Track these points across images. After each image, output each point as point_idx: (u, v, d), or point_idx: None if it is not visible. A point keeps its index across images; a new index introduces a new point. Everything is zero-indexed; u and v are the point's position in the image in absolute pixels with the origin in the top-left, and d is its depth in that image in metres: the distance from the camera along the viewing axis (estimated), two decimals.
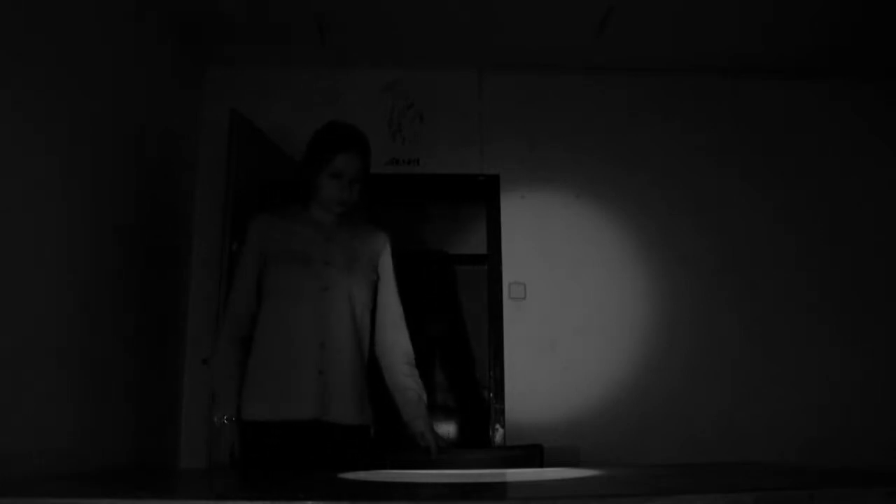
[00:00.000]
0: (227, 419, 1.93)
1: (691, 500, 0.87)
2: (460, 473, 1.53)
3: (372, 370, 2.11)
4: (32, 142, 2.10)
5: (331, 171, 2.04)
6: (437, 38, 3.45)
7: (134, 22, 2.83)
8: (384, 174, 3.42)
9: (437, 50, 3.54)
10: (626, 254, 3.55)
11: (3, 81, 1.95)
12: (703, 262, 3.54)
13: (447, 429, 4.45)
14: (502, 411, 3.35)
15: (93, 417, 2.44)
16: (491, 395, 3.41)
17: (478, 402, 4.34)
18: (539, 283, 3.50)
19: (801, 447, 3.25)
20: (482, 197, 3.64)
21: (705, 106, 3.73)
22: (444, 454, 1.96)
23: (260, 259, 2.07)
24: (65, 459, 2.22)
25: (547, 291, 3.49)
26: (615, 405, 3.37)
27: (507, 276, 3.49)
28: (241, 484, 1.36)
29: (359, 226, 2.19)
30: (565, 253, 3.54)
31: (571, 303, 3.48)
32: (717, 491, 0.97)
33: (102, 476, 1.58)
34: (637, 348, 3.45)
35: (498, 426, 3.34)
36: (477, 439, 4.26)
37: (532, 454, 2.04)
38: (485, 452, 2.53)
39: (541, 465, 2.00)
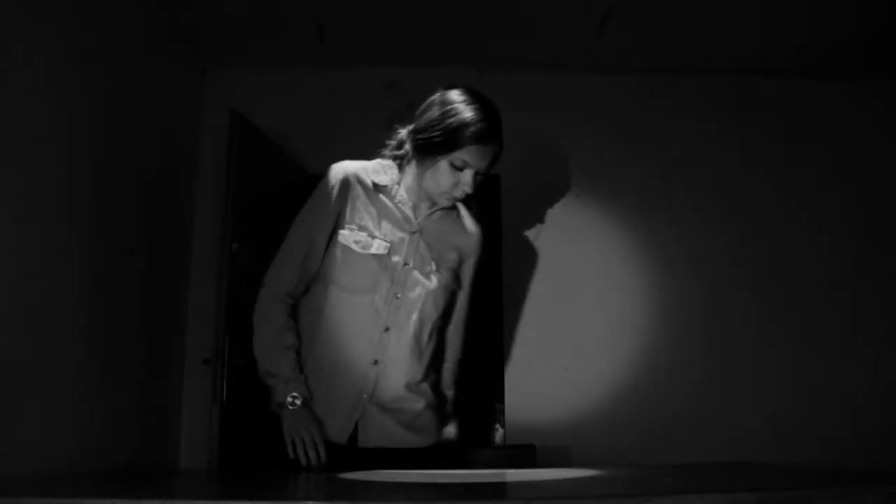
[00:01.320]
0: (296, 401, 1.55)
1: (691, 500, 0.87)
2: (460, 474, 1.53)
3: None
4: (32, 142, 2.10)
5: (455, 160, 1.61)
6: (437, 38, 3.45)
7: (134, 23, 2.83)
8: None
9: (437, 50, 3.54)
10: (626, 254, 3.55)
11: (2, 82, 1.95)
12: (707, 261, 3.54)
13: (447, 429, 4.43)
14: (502, 411, 3.35)
15: (93, 417, 2.44)
16: (491, 394, 3.41)
17: (477, 402, 4.33)
18: (539, 283, 3.50)
19: (807, 449, 3.25)
20: (482, 197, 3.63)
21: (707, 105, 3.72)
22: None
23: (333, 222, 1.65)
24: (65, 459, 2.22)
25: (547, 291, 3.49)
26: (616, 405, 3.37)
27: (507, 276, 3.49)
28: (241, 483, 1.36)
29: (451, 219, 1.79)
30: (565, 253, 3.54)
31: (571, 303, 3.48)
32: (717, 491, 0.96)
33: (102, 476, 1.58)
34: (638, 348, 3.45)
35: (498, 426, 3.34)
36: (477, 439, 4.25)
37: (524, 454, 1.99)
38: (474, 453, 2.50)
39: (533, 466, 1.97)
